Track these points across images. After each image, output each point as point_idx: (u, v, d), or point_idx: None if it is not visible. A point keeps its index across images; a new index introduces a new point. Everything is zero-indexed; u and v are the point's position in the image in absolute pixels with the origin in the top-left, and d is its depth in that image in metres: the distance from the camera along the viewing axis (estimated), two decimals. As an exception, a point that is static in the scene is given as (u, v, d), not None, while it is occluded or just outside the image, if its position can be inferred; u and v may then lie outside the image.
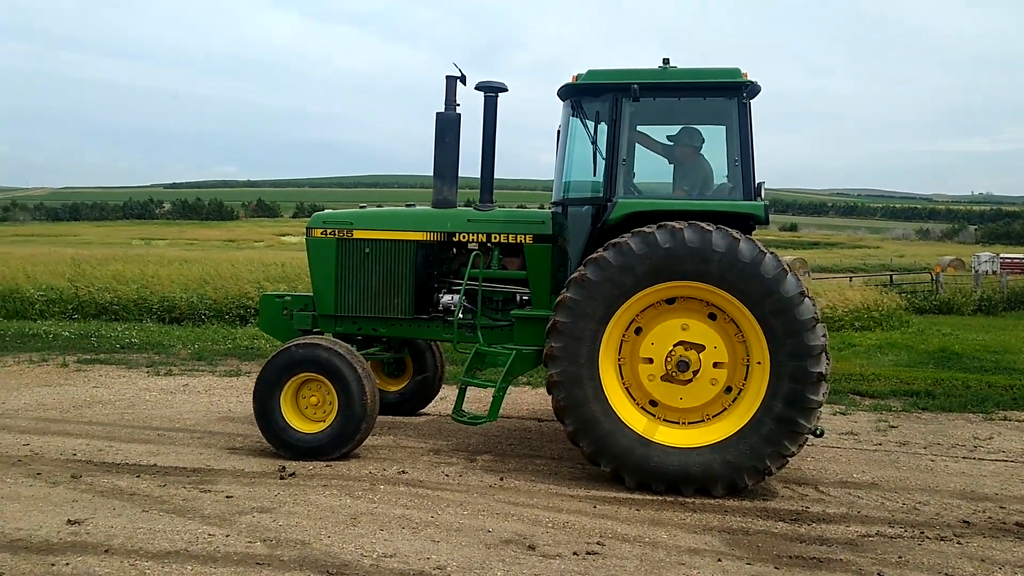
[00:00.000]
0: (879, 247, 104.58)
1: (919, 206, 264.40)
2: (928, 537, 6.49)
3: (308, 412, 8.10)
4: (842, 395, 12.24)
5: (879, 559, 6.01)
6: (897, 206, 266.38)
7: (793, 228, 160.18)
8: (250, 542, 5.90)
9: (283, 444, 8.01)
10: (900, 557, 6.06)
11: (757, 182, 7.80)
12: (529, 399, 11.51)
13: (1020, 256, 59.81)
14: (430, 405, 10.46)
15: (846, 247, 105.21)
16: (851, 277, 35.04)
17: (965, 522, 6.86)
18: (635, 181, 8.60)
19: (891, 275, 38.11)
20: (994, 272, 44.17)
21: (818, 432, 7.72)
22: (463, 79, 8.77)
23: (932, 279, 34.01)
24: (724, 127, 8.03)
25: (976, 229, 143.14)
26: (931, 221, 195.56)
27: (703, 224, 7.28)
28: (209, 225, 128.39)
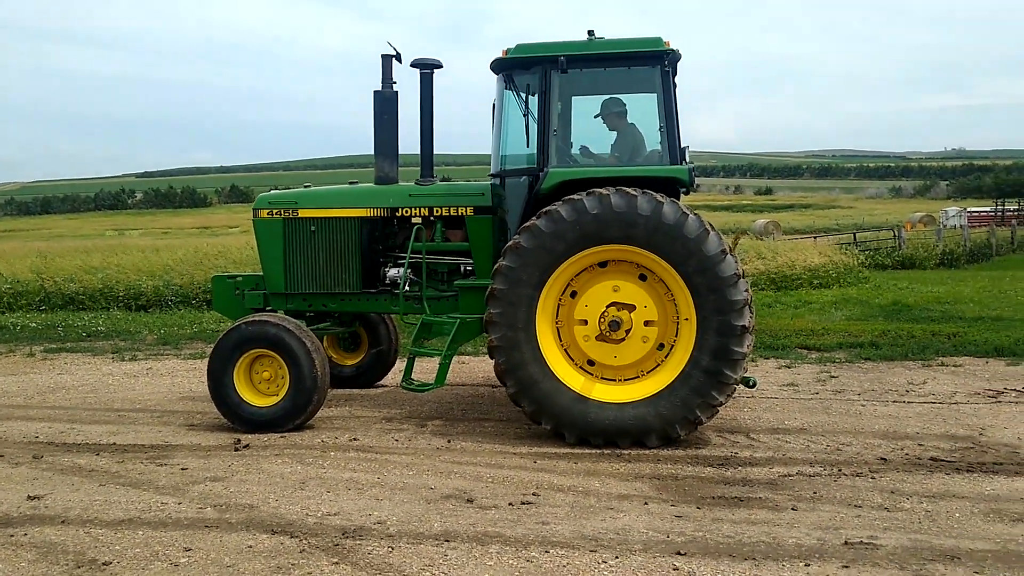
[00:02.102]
0: (853, 207, 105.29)
1: (892, 164, 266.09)
2: (844, 474, 6.91)
3: (261, 387, 8.42)
4: (790, 350, 12.67)
5: (795, 495, 6.41)
6: (871, 165, 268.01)
7: (768, 191, 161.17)
8: (201, 508, 6.23)
9: (238, 418, 8.33)
10: (815, 493, 6.47)
11: (682, 147, 8.13)
12: (483, 367, 11.86)
13: (987, 210, 60.67)
14: (387, 377, 10.79)
15: (820, 208, 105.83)
16: (815, 237, 35.56)
17: (882, 459, 7.29)
18: (574, 151, 8.95)
19: (854, 233, 38.66)
20: (962, 227, 44.84)
21: (750, 383, 8.12)
22: (399, 57, 9.03)
23: (895, 236, 34.60)
24: (653, 95, 8.34)
25: (947, 185, 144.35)
26: (904, 179, 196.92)
27: (629, 190, 7.62)
28: (183, 213, 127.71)
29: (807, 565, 5.13)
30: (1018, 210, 55.79)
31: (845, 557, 5.24)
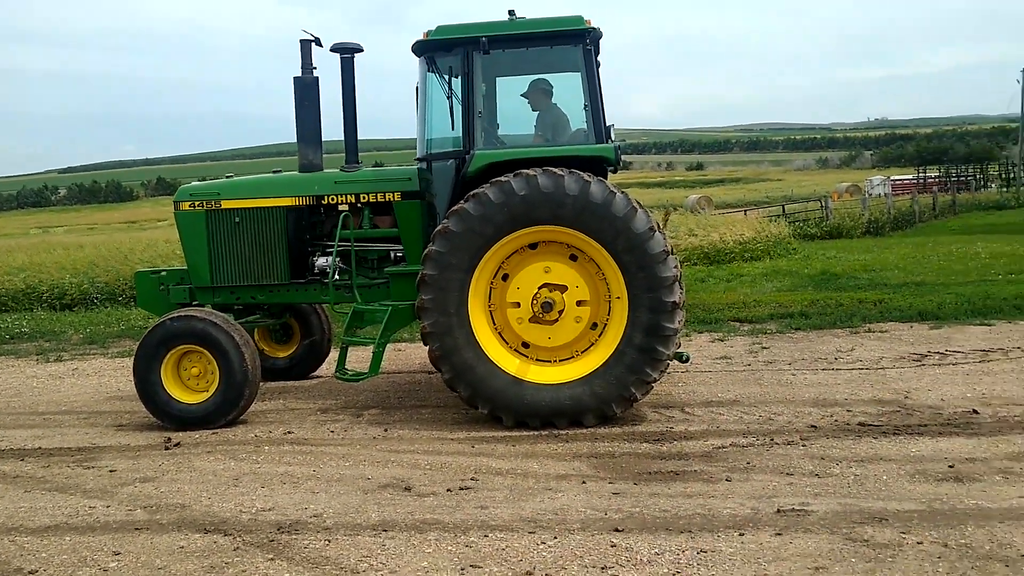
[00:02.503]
0: (781, 179, 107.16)
1: (819, 136, 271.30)
2: (777, 443, 7.03)
3: (191, 383, 8.24)
4: (722, 323, 12.85)
5: (729, 467, 6.51)
6: (798, 137, 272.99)
7: (699, 167, 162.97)
8: (130, 510, 6.08)
9: (168, 416, 8.15)
10: (748, 463, 6.57)
11: (607, 125, 8.14)
12: (420, 354, 11.78)
13: (909, 177, 62.29)
14: (321, 367, 10.66)
15: (750, 182, 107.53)
16: (745, 211, 36.13)
17: (812, 427, 7.44)
18: (501, 132, 8.92)
19: (783, 205, 39.38)
20: (886, 195, 45.98)
21: (684, 358, 8.21)
22: (317, 42, 8.87)
23: (822, 206, 35.32)
24: (576, 74, 8.33)
25: (872, 154, 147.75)
26: (830, 150, 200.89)
27: (556, 170, 7.60)
28: (108, 208, 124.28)
29: (741, 535, 5.21)
30: (939, 177, 57.38)
31: (778, 525, 5.33)
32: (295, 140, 9.08)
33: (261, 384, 8.82)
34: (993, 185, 55.00)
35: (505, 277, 7.92)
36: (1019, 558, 4.71)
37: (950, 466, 6.26)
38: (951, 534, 5.07)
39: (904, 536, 5.06)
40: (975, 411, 7.64)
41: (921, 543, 4.96)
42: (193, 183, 9.41)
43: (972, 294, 13.62)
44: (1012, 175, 54.41)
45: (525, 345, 7.95)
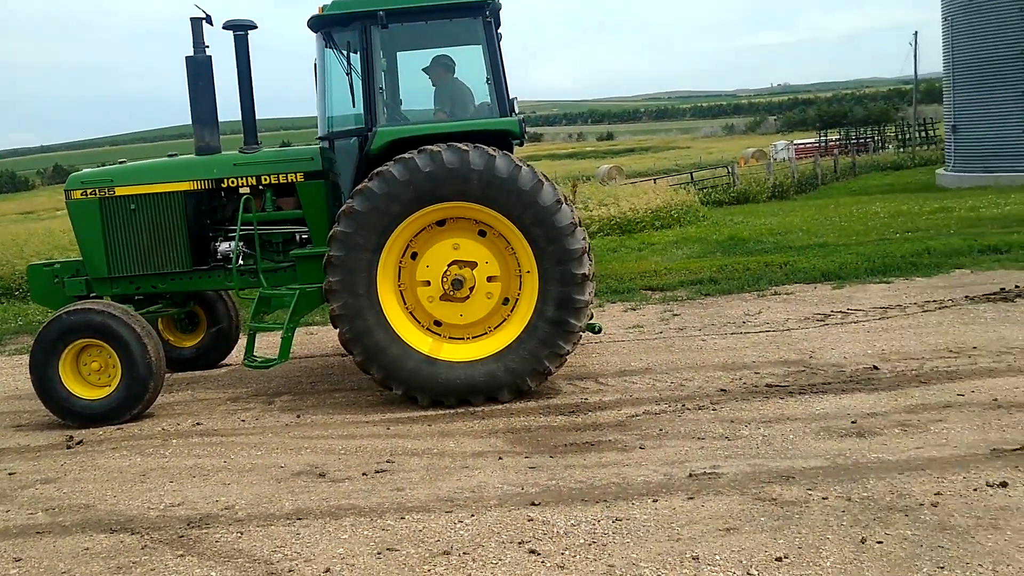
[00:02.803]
0: (690, 147, 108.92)
1: (725, 103, 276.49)
2: (688, 408, 7.15)
3: (91, 378, 7.94)
4: (634, 292, 12.98)
5: (643, 434, 6.60)
6: (704, 105, 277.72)
7: (610, 137, 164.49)
8: (31, 513, 5.85)
9: (69, 414, 7.85)
10: (661, 429, 6.67)
11: (511, 98, 8.08)
12: (332, 337, 11.58)
13: (812, 141, 64.00)
14: (230, 356, 10.40)
15: (660, 150, 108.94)
16: (655, 180, 36.60)
17: (722, 390, 7.59)
18: (404, 109, 8.79)
19: (691, 173, 40.01)
20: (790, 159, 47.12)
21: (596, 329, 8.27)
22: (209, 19, 8.57)
23: (729, 172, 36.01)
24: (477, 47, 8.24)
25: (775, 119, 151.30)
26: (736, 116, 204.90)
27: (460, 145, 7.52)
28: (4, 199, 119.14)
29: (655, 501, 5.29)
30: (839, 140, 59.04)
31: (690, 489, 5.42)
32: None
33: (167, 375, 8.58)
34: (890, 146, 56.87)
35: (414, 256, 7.83)
36: (918, 507, 4.89)
37: (852, 422, 6.46)
38: (854, 488, 5.23)
39: (810, 493, 5.21)
40: (875, 367, 7.90)
41: (826, 498, 5.11)
42: (85, 170, 9.02)
43: (872, 253, 14.07)
44: (908, 136, 56.35)
45: (437, 323, 7.89)
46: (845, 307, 10.64)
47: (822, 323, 9.94)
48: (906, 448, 5.86)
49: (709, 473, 5.64)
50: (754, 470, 5.64)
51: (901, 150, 51.90)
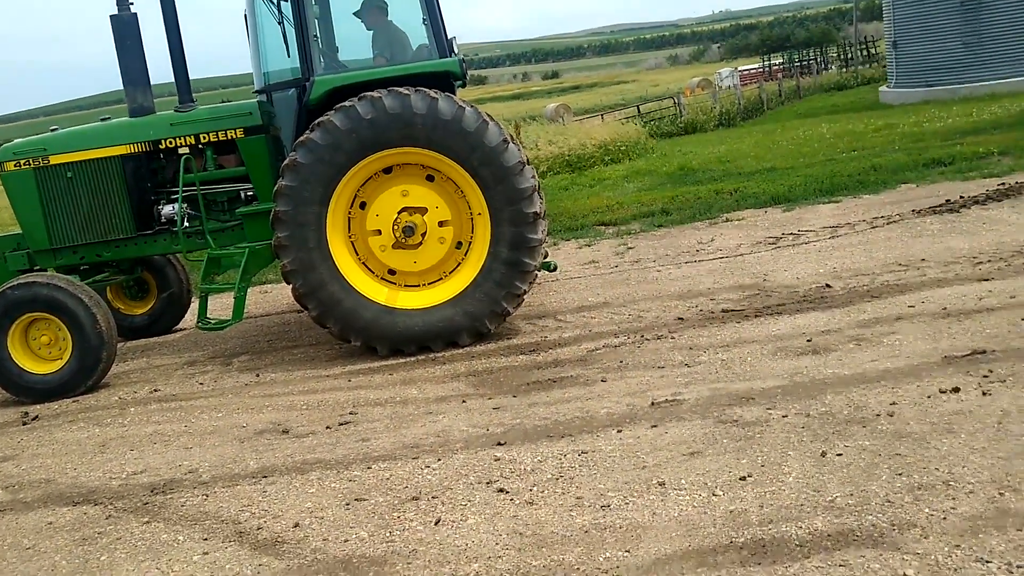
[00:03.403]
0: (635, 80, 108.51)
1: (667, 33, 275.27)
2: (647, 339, 7.20)
3: (42, 352, 7.77)
4: (588, 228, 12.98)
5: (604, 367, 6.64)
6: (647, 36, 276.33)
7: (555, 75, 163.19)
8: (-9, 494, 5.75)
9: (22, 390, 7.70)
10: (621, 362, 6.71)
11: (449, 38, 7.94)
12: (287, 294, 11.47)
13: (756, 67, 64.00)
14: (184, 320, 10.25)
15: (606, 85, 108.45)
16: (602, 115, 36.47)
17: (680, 319, 7.65)
18: (342, 58, 8.61)
19: (638, 107, 39.92)
20: (734, 87, 47.14)
21: (551, 267, 8.27)
22: (131, -25, 8.26)
23: (675, 103, 35.97)
24: (412, -12, 8.05)
25: (719, 47, 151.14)
26: (679, 46, 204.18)
27: (401, 89, 7.39)
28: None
29: (619, 431, 5.33)
30: (783, 64, 59.13)
31: (653, 417, 5.48)
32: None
33: (120, 344, 8.44)
34: (833, 67, 57.09)
35: (363, 205, 7.72)
36: (875, 418, 4.99)
37: (808, 340, 6.56)
38: (812, 404, 5.32)
39: (770, 412, 5.29)
40: (828, 285, 8.00)
41: (786, 416, 5.19)
42: (16, 140, 8.74)
43: (819, 174, 14.17)
44: (850, 56, 56.54)
45: (392, 272, 7.83)
46: (796, 229, 10.74)
47: (774, 246, 10.03)
48: (861, 362, 5.96)
49: (671, 400, 5.69)
50: (714, 394, 5.71)
51: (844, 70, 52.09)
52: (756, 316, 7.39)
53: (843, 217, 11.06)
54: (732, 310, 7.66)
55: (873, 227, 10.23)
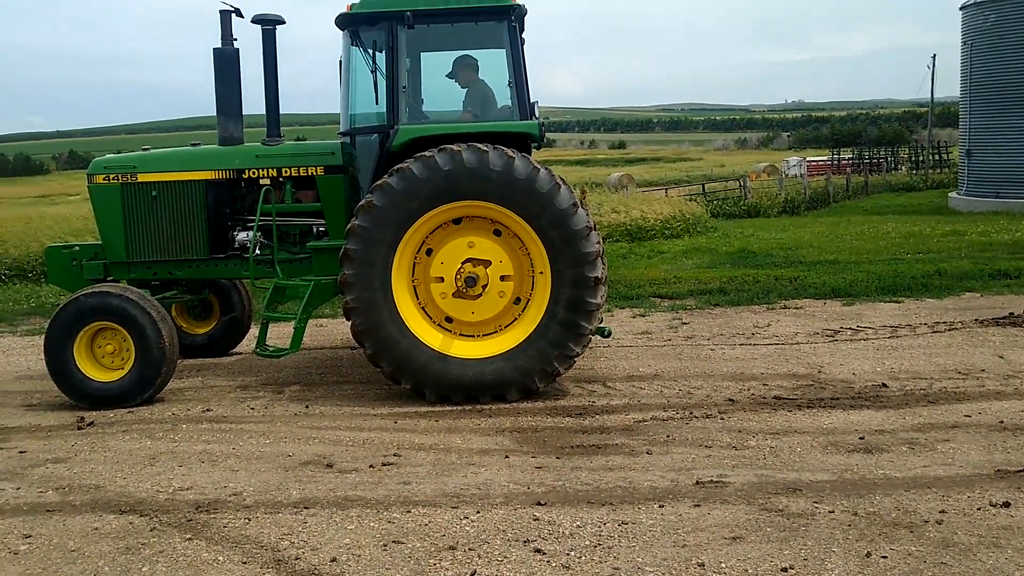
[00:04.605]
0: (701, 159, 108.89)
1: (738, 117, 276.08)
2: (696, 416, 7.18)
3: (105, 361, 8.00)
4: (644, 299, 13.02)
5: (650, 440, 6.63)
6: (718, 118, 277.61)
7: (622, 145, 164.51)
8: (41, 492, 5.90)
9: (81, 395, 7.91)
10: (668, 436, 6.70)
11: (531, 102, 8.15)
12: (342, 329, 11.67)
13: (824, 159, 63.91)
14: (241, 344, 10.47)
15: (671, 161, 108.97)
16: (666, 189, 36.64)
17: (730, 400, 7.62)
18: (426, 108, 8.88)
19: (703, 185, 40.02)
20: (802, 176, 47.09)
21: (605, 333, 8.32)
22: (238, 12, 8.65)
23: (740, 186, 36.01)
24: (501, 50, 8.30)
25: (788, 136, 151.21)
26: (749, 131, 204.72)
27: (480, 145, 7.59)
28: (17, 182, 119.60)
29: (661, 506, 5.32)
30: (852, 159, 58.97)
31: (697, 496, 5.45)
32: (215, 113, 8.87)
33: (179, 361, 8.63)
34: (903, 167, 56.77)
35: (429, 252, 7.89)
36: (922, 524, 4.92)
37: (860, 438, 6.49)
38: (860, 503, 5.26)
39: (816, 506, 5.23)
40: (884, 385, 7.92)
41: (832, 512, 5.14)
42: (108, 156, 9.11)
43: (883, 272, 14.08)
44: (921, 158, 56.21)
45: (448, 320, 7.95)
46: (855, 324, 10.67)
47: (831, 339, 9.96)
48: (913, 466, 5.89)
49: (716, 481, 5.67)
50: (761, 481, 5.67)
51: (914, 172, 51.81)
52: (808, 407, 7.33)
53: (904, 318, 10.95)
54: (784, 398, 7.61)
55: (934, 332, 10.12)
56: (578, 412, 7.43)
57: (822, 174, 47.43)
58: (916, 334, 10.04)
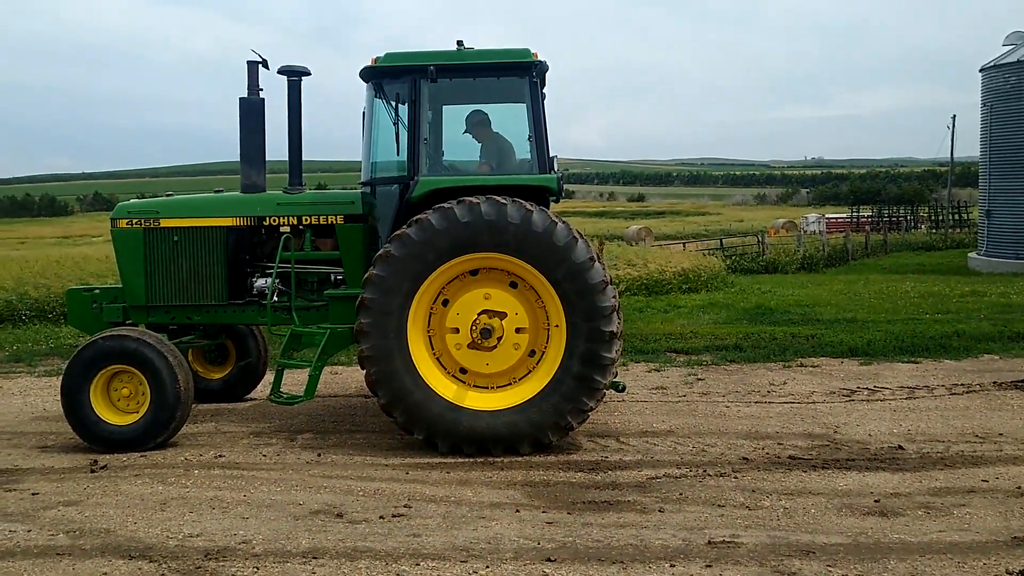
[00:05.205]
0: (720, 213, 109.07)
1: (758, 172, 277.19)
2: (709, 474, 7.12)
3: (120, 404, 8.05)
4: (659, 353, 12.98)
5: (662, 497, 6.58)
6: (737, 173, 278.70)
7: (641, 198, 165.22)
8: (52, 535, 5.91)
9: (95, 438, 7.95)
10: (681, 494, 6.64)
11: (551, 156, 8.24)
12: (356, 377, 11.68)
13: (843, 216, 63.88)
14: (256, 390, 10.50)
15: (690, 215, 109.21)
16: (684, 244, 36.71)
17: (744, 459, 7.55)
18: (446, 159, 9.00)
19: (721, 239, 40.07)
20: (821, 232, 47.05)
21: (620, 387, 8.29)
22: (265, 63, 8.83)
23: (759, 241, 36.02)
24: (522, 105, 8.42)
25: (808, 192, 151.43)
26: (768, 186, 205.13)
27: (499, 198, 7.67)
28: (42, 222, 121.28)
29: (672, 566, 5.26)
30: (872, 217, 58.94)
31: (708, 556, 5.39)
32: (238, 159, 9.02)
33: (193, 406, 8.66)
34: (923, 226, 56.68)
35: (445, 302, 7.93)
36: (939, 591, 4.84)
37: (876, 500, 6.41)
38: (874, 568, 5.19)
39: (830, 569, 5.17)
40: (900, 447, 7.84)
41: (846, 576, 5.07)
42: (132, 200, 9.26)
43: (901, 332, 13.99)
44: (941, 217, 56.12)
45: (463, 371, 7.96)
46: (872, 384, 10.59)
47: (848, 398, 9.88)
48: (928, 531, 5.80)
49: (728, 542, 5.61)
50: (774, 542, 5.61)
51: (934, 231, 51.68)
52: (824, 467, 7.26)
53: (922, 379, 10.87)
54: (799, 458, 7.54)
55: (952, 393, 10.03)
56: (591, 467, 7.39)
57: (841, 231, 47.40)
58: (934, 396, 9.95)
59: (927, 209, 63.89)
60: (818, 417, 9.01)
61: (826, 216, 63.94)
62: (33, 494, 6.82)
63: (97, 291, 9.17)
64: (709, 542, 5.61)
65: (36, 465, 7.68)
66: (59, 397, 8.03)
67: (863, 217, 59.42)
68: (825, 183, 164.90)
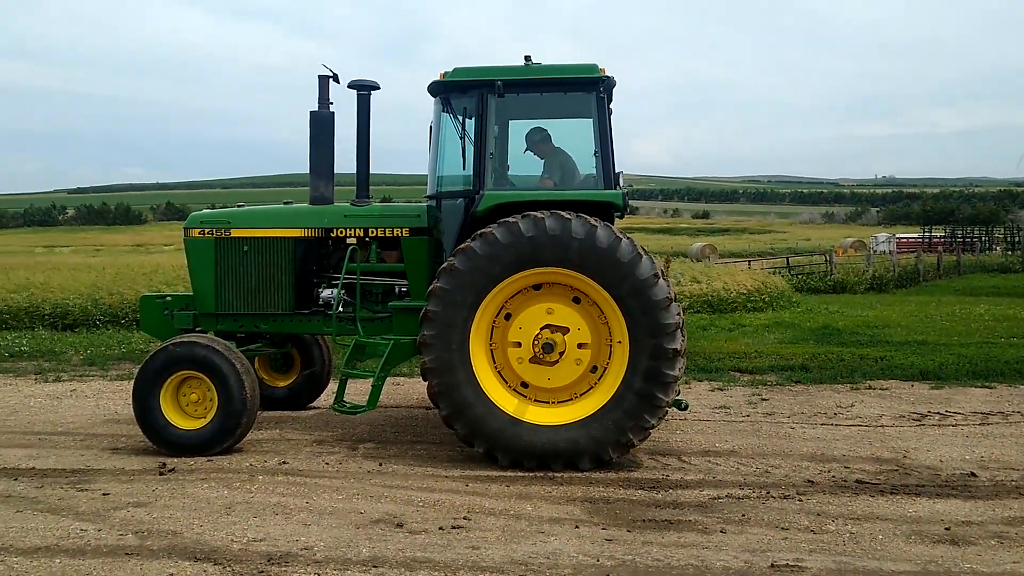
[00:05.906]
0: (787, 231, 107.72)
1: (826, 190, 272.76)
2: (773, 496, 6.99)
3: (189, 409, 8.23)
4: (723, 372, 12.83)
5: (724, 518, 6.48)
6: (805, 191, 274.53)
7: (705, 215, 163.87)
8: (121, 535, 6.05)
9: (164, 442, 8.13)
10: (743, 515, 6.53)
11: (616, 171, 8.22)
12: (418, 389, 11.76)
13: (915, 236, 62.50)
14: (319, 399, 10.64)
15: (755, 232, 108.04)
16: (749, 261, 36.23)
17: (810, 481, 7.40)
18: (511, 174, 9.04)
19: (787, 258, 39.46)
20: (891, 252, 46.08)
21: (682, 405, 8.21)
22: (335, 78, 9.00)
23: (826, 260, 35.39)
24: (588, 120, 8.42)
25: (878, 211, 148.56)
26: (837, 205, 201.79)
27: (563, 213, 7.67)
28: (116, 230, 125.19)
29: (734, 588, 5.17)
30: (944, 237, 57.56)
31: (771, 580, 5.29)
32: (307, 171, 9.20)
33: (259, 413, 8.81)
34: (998, 248, 55.12)
35: (508, 316, 7.95)
36: (1013, 625, 4.67)
37: (946, 528, 6.22)
38: (945, 597, 5.03)
39: (898, 597, 5.02)
40: (973, 474, 7.61)
41: (915, 605, 4.92)
42: (204, 210, 9.50)
43: (974, 356, 13.59)
44: (1017, 239, 54.50)
45: (524, 385, 7.96)
46: (943, 408, 10.30)
47: (918, 423, 9.63)
48: (1002, 562, 5.61)
49: (792, 565, 5.49)
50: (839, 567, 5.48)
51: (1009, 252, 50.20)
52: (892, 493, 7.07)
53: (996, 405, 10.54)
54: (867, 482, 7.36)
55: (1028, 420, 9.69)
56: (651, 485, 7.31)
57: (912, 251, 46.34)
58: (1008, 422, 9.63)
59: (1003, 230, 62.11)
60: (887, 441, 8.79)
61: (897, 236, 62.58)
62: (104, 494, 7.00)
63: (169, 298, 9.41)
64: (772, 565, 5.50)
65: (107, 466, 7.89)
66: (130, 401, 8.24)
67: (936, 237, 58.06)
68: (896, 202, 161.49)
